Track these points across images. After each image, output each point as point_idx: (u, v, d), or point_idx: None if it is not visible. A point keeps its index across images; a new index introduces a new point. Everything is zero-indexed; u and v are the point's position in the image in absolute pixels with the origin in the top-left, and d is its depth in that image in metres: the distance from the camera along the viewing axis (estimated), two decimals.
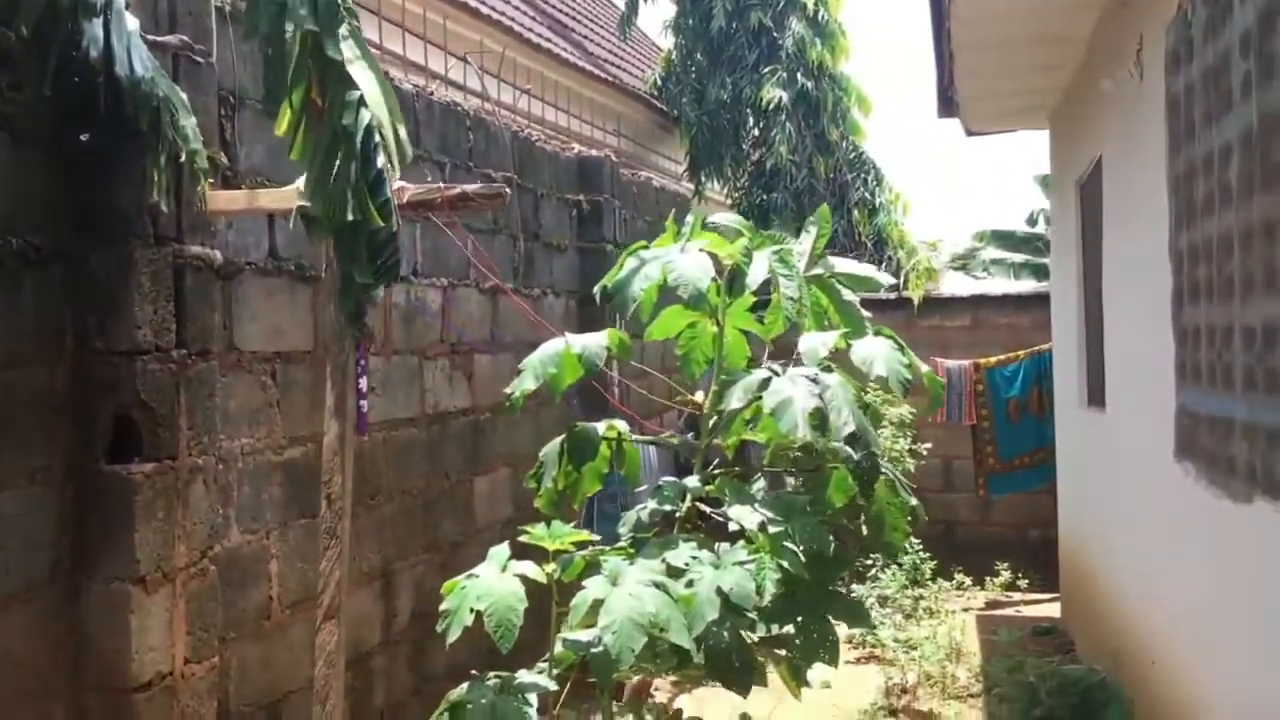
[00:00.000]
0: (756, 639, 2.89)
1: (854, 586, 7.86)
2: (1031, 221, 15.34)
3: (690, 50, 12.27)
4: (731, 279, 3.12)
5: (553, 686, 2.80)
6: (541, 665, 2.92)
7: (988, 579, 8.99)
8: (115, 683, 3.31)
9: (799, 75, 11.73)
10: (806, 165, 11.76)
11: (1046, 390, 8.87)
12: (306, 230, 3.60)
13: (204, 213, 3.60)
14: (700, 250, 3.02)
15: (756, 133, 12.32)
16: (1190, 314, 3.77)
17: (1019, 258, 14.43)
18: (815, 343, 2.99)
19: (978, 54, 6.40)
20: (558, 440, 3.21)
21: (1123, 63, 5.01)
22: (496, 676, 2.79)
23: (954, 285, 12.45)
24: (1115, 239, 5.73)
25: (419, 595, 5.45)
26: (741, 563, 2.73)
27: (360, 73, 2.95)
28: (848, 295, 3.22)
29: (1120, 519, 5.69)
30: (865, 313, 3.21)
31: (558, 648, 2.86)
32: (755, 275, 2.98)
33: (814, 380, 2.87)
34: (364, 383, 3.56)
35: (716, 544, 2.90)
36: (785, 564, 2.72)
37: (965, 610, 8.42)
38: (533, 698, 2.71)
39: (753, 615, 2.75)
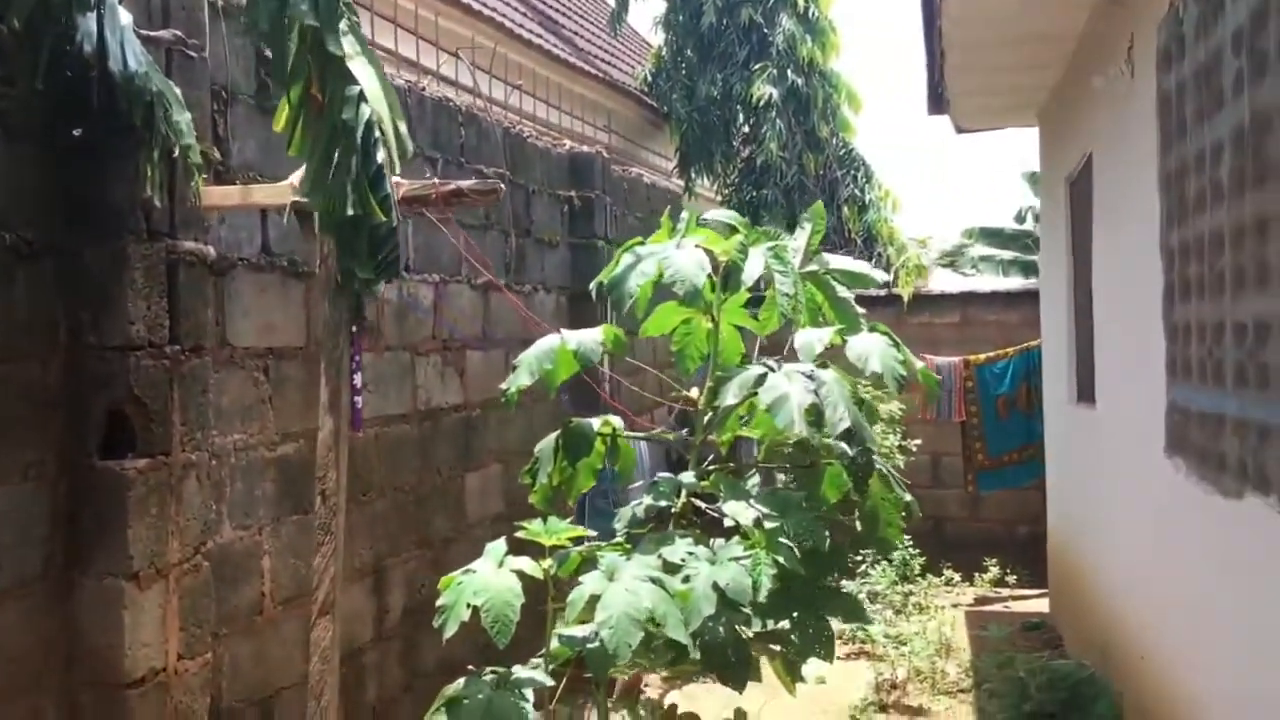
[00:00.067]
0: (751, 634, 2.90)
1: (844, 583, 7.87)
2: (1020, 219, 15.38)
3: (681, 46, 12.27)
4: (726, 275, 3.12)
5: (549, 682, 2.80)
6: (536, 661, 2.93)
7: (977, 575, 9.04)
8: (108, 679, 3.30)
9: (789, 72, 11.75)
10: (796, 162, 11.78)
11: (1035, 387, 8.91)
12: (300, 226, 3.59)
13: (197, 208, 3.59)
14: (696, 246, 3.03)
15: (747, 129, 12.33)
16: (1181, 310, 3.79)
17: (1007, 255, 14.45)
18: (811, 339, 3.00)
19: (968, 51, 6.42)
20: (553, 436, 3.21)
21: (1114, 60, 5.04)
22: (492, 672, 2.79)
23: (943, 282, 12.48)
24: (1105, 236, 5.76)
25: (411, 591, 5.45)
26: (737, 558, 2.74)
27: (360, 68, 2.95)
28: (842, 292, 3.22)
29: (1110, 515, 5.72)
30: (860, 309, 3.22)
31: (553, 643, 2.86)
32: (751, 271, 2.99)
33: (810, 376, 2.87)
34: (359, 378, 3.55)
35: (712, 540, 2.91)
36: (781, 559, 2.72)
37: (954, 606, 8.46)
38: (529, 693, 2.72)
39: (748, 610, 2.75)
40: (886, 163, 24.90)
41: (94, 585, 3.31)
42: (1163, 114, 4.00)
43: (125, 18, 3.19)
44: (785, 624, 2.89)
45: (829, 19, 12.18)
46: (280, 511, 4.40)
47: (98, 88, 3.12)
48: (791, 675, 3.01)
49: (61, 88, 3.16)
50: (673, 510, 3.11)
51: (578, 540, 2.96)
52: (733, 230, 3.18)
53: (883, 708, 6.28)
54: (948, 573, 8.78)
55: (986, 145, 54.93)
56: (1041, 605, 8.38)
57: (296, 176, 3.55)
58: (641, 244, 3.13)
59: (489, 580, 2.71)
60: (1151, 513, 4.59)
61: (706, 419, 3.18)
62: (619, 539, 3.06)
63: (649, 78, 12.50)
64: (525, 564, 2.81)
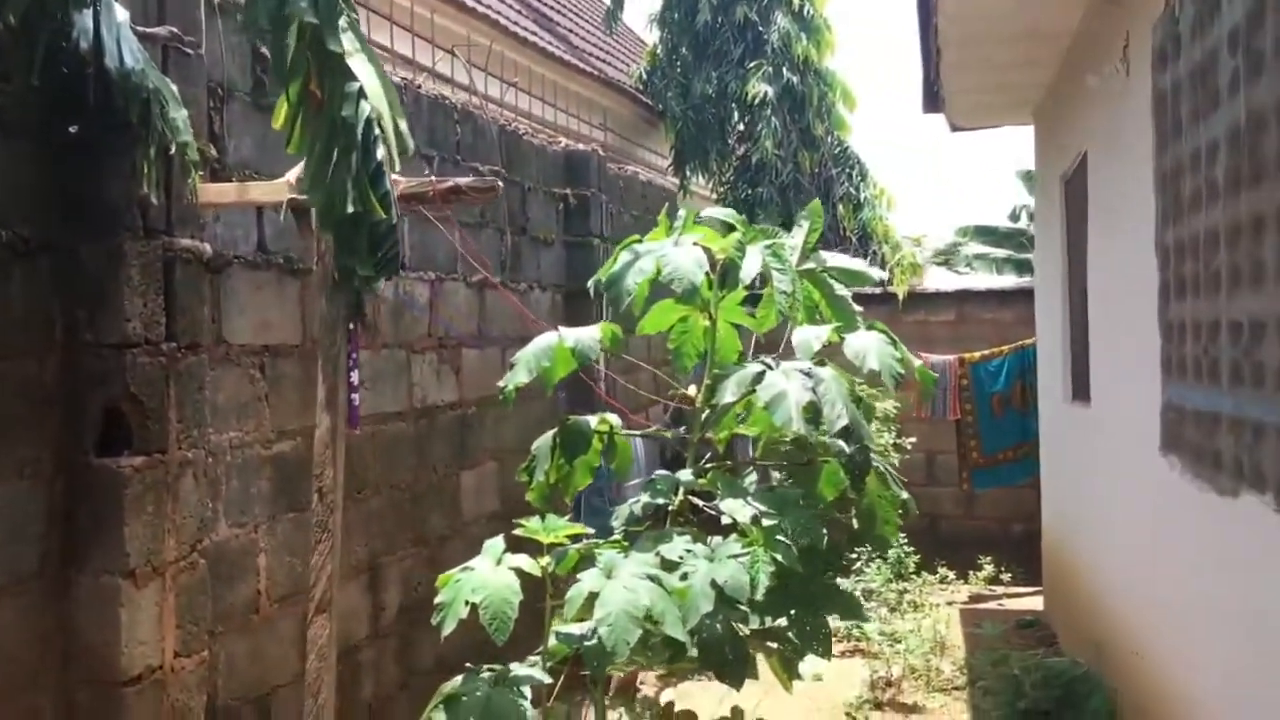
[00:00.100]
0: (749, 632, 2.91)
1: (840, 581, 7.88)
2: (1014, 217, 15.40)
3: (675, 44, 12.27)
4: (724, 273, 3.13)
5: (547, 680, 2.80)
6: (533, 658, 2.93)
7: (971, 573, 9.05)
8: (104, 676, 3.29)
9: (784, 70, 11.75)
10: (791, 160, 11.79)
11: (1030, 385, 8.93)
12: (297, 223, 3.59)
13: (194, 205, 3.59)
14: (694, 244, 3.03)
15: (742, 127, 12.33)
16: (1176, 309, 3.80)
17: (1001, 253, 14.48)
18: (809, 336, 3.00)
19: (964, 48, 6.42)
20: (550, 434, 3.21)
21: (1109, 59, 5.04)
22: (490, 669, 2.79)
23: (937, 280, 12.50)
24: (1100, 234, 5.77)
25: (406, 589, 5.44)
26: (735, 556, 2.74)
27: (360, 65, 2.94)
28: (840, 289, 3.23)
29: (1104, 513, 5.73)
30: (857, 307, 3.22)
31: (551, 641, 2.86)
32: (749, 269, 2.99)
33: (808, 374, 2.88)
34: (355, 376, 3.55)
35: (710, 537, 2.91)
36: (779, 557, 2.73)
37: (949, 604, 8.48)
38: (527, 690, 2.72)
39: (745, 608, 2.76)
40: (881, 161, 25.06)
41: (90, 583, 3.31)
42: (1158, 113, 4.01)
43: (121, 14, 3.19)
44: (783, 621, 2.90)
45: (824, 17, 12.18)
46: (276, 509, 4.39)
47: (94, 84, 3.11)
48: (789, 673, 3.01)
49: (57, 84, 3.15)
50: (670, 508, 3.11)
51: (575, 538, 2.97)
52: (730, 228, 3.18)
53: (878, 705, 6.30)
54: (942, 570, 8.79)
55: (981, 144, 55.05)
56: (1036, 603, 8.40)
57: (293, 174, 3.55)
58: (639, 241, 3.13)
59: (487, 578, 2.71)
60: (1146, 511, 4.60)
61: (704, 417, 3.18)
62: (617, 536, 3.06)
63: (644, 75, 12.49)
64: (523, 561, 2.82)
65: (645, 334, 3.36)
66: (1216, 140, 3.23)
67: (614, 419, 3.27)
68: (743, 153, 12.23)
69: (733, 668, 2.79)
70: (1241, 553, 3.26)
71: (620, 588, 2.62)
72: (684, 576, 2.71)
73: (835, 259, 3.31)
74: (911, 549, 8.30)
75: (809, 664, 3.03)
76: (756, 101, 11.56)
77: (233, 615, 4.12)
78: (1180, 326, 3.74)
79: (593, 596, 2.64)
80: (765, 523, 2.81)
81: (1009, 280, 12.71)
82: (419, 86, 5.90)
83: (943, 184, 42.36)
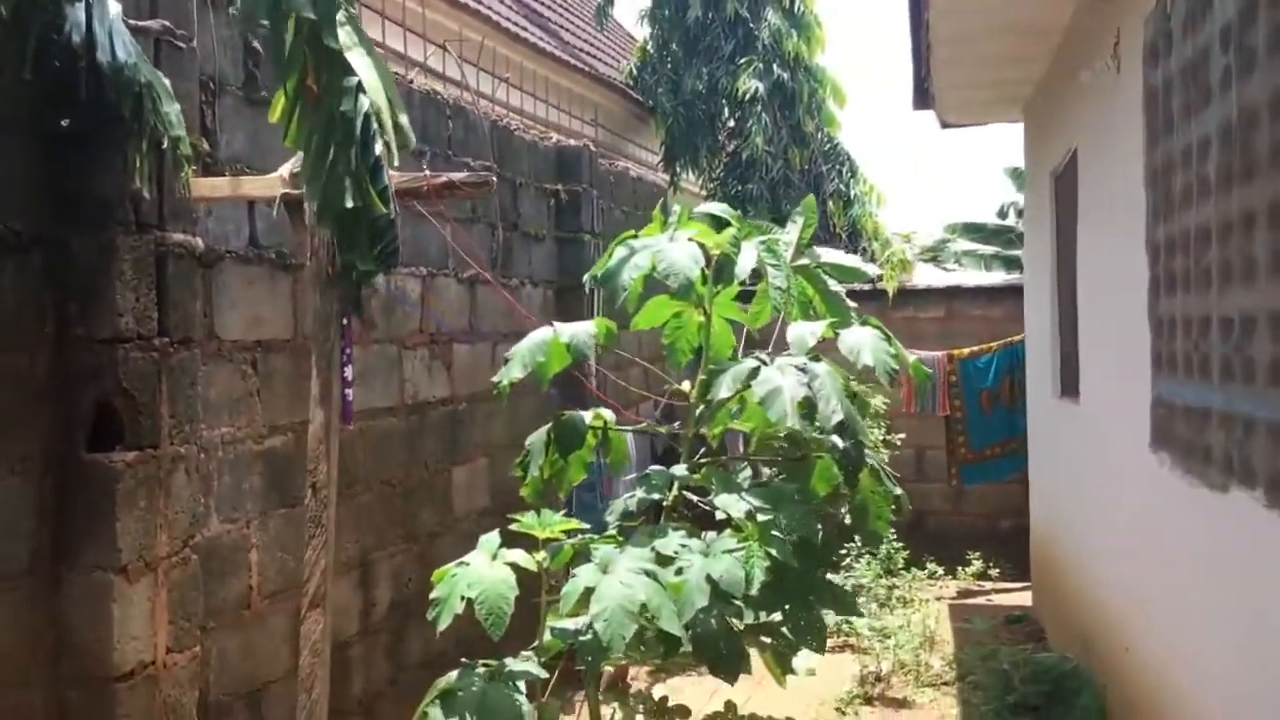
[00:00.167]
0: (743, 626, 2.91)
1: (829, 575, 7.90)
2: (1002, 214, 15.44)
3: (666, 40, 12.29)
4: (719, 269, 3.13)
5: (542, 674, 2.81)
6: (527, 653, 2.93)
7: (960, 568, 9.08)
8: (96, 673, 3.28)
9: (775, 66, 11.77)
10: (782, 156, 11.81)
11: (1019, 381, 8.96)
12: (290, 218, 3.58)
13: (186, 200, 3.57)
14: (689, 240, 3.03)
15: (732, 124, 12.35)
16: (1166, 305, 3.82)
17: (989, 250, 14.52)
18: (803, 332, 3.01)
19: (955, 44, 6.43)
20: (544, 429, 3.21)
21: (1100, 55, 5.06)
22: (485, 664, 2.79)
23: (925, 277, 12.53)
24: (1090, 231, 5.79)
25: (397, 585, 5.44)
26: (730, 551, 2.75)
27: (358, 59, 2.94)
28: (833, 285, 3.24)
29: (1093, 508, 5.76)
30: (851, 303, 3.23)
31: (546, 636, 2.87)
32: (744, 265, 3.00)
33: (803, 369, 2.88)
34: (349, 371, 3.54)
35: (704, 533, 2.92)
36: (774, 552, 2.73)
37: (938, 599, 8.50)
38: (522, 685, 2.72)
39: (740, 603, 2.76)
40: (871, 158, 25.09)
41: (82, 579, 3.29)
42: (1149, 109, 4.02)
43: (114, 8, 3.16)
44: (777, 616, 2.91)
45: (814, 14, 12.21)
46: (267, 505, 4.39)
47: (86, 78, 3.09)
48: (782, 667, 3.03)
49: (49, 78, 3.13)
50: (664, 503, 3.11)
51: (570, 533, 2.97)
52: (723, 224, 3.18)
53: (867, 700, 6.31)
54: (931, 566, 8.82)
55: (970, 141, 55.18)
56: (1024, 598, 8.44)
57: (286, 168, 3.54)
58: (635, 237, 3.13)
59: (483, 573, 2.71)
60: (1135, 506, 4.62)
61: (698, 412, 3.18)
62: (611, 532, 3.07)
63: (635, 71, 12.50)
64: (520, 556, 2.82)
65: (639, 329, 3.36)
66: (1208, 136, 3.24)
67: (608, 414, 3.27)
68: (733, 149, 12.25)
69: (727, 662, 2.80)
70: (1231, 548, 3.28)
71: (616, 583, 2.62)
72: (679, 571, 2.72)
73: (829, 255, 3.32)
74: (900, 544, 8.32)
75: (802, 659, 3.05)
76: (747, 98, 11.58)
77: (224, 611, 4.12)
78: (1170, 322, 3.76)
79: (588, 591, 2.64)
80: (760, 518, 2.81)
81: (998, 277, 12.74)
82: (411, 82, 5.88)
83: (932, 181, 42.51)
